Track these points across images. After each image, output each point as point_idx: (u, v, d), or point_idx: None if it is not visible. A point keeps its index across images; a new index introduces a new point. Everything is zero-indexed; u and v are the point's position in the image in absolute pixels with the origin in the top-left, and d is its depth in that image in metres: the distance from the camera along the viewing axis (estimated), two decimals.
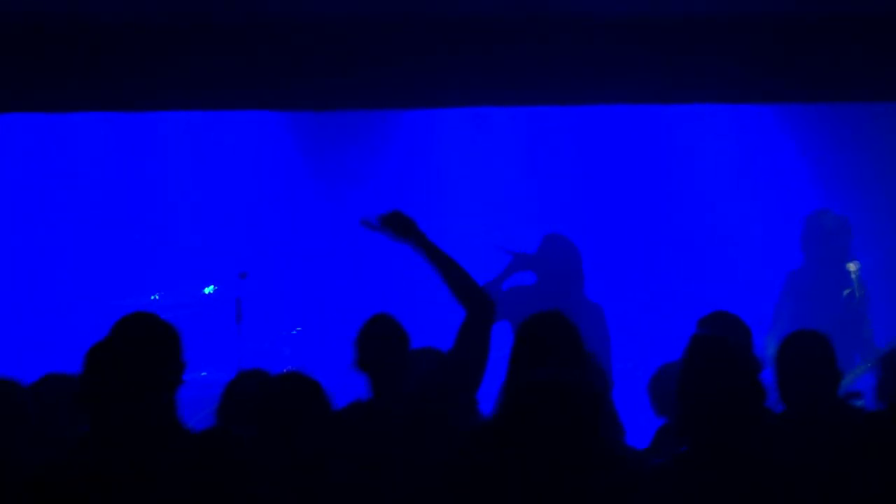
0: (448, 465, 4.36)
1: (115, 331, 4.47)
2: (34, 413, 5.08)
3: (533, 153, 12.12)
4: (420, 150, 12.07)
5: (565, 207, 11.90)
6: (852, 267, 9.30)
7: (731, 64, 8.40)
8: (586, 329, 7.72)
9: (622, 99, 8.99)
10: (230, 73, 8.46)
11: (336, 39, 8.42)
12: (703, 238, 11.84)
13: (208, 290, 10.98)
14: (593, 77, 8.53)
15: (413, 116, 11.93)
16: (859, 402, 6.09)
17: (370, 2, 8.04)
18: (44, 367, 6.34)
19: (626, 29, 8.39)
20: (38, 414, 5.10)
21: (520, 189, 12.11)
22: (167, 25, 8.32)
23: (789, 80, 8.58)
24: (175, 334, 4.49)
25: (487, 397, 5.75)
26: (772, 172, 11.78)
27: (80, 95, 8.61)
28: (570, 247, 8.38)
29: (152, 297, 11.21)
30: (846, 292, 9.24)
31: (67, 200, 11.95)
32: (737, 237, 11.78)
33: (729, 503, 4.13)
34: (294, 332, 11.64)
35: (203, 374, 8.69)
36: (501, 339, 5.81)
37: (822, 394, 5.32)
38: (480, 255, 6.96)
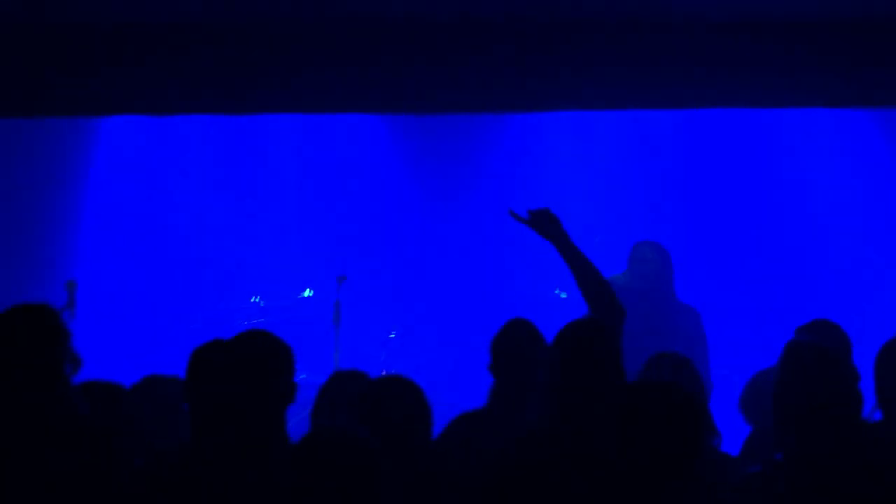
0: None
1: (233, 345, 4.47)
2: (137, 416, 5.15)
3: (629, 156, 12.09)
4: (523, 154, 12.08)
5: (667, 211, 11.86)
6: None
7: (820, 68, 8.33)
8: (683, 332, 7.73)
9: (724, 102, 8.91)
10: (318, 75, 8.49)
11: (419, 41, 8.43)
12: (810, 244, 11.73)
13: (307, 293, 11.06)
14: (697, 79, 8.49)
15: (517, 120, 11.95)
16: None
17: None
18: (145, 369, 6.43)
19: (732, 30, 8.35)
20: (139, 416, 5.17)
21: (616, 192, 12.08)
22: (249, 28, 8.37)
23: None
24: (290, 353, 4.51)
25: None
26: (877, 178, 11.65)
27: (177, 97, 8.68)
28: (660, 251, 8.30)
29: (253, 300, 11.33)
30: None
31: (167, 203, 12.11)
32: (842, 244, 11.66)
33: None
34: (391, 337, 11.69)
35: (302, 376, 8.79)
36: None
37: None
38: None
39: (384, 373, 9.93)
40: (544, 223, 5.83)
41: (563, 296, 11.14)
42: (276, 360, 4.41)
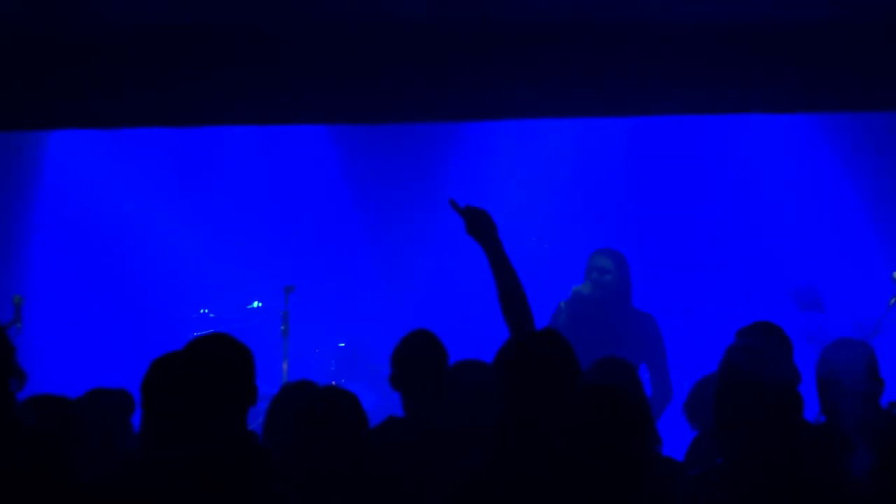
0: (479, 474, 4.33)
1: (192, 348, 4.46)
2: (86, 428, 5.13)
3: (566, 163, 12.17)
4: (474, 163, 12.11)
5: (626, 216, 11.95)
6: None
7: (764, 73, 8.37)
8: (640, 339, 7.79)
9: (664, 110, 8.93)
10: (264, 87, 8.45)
11: (384, 51, 8.42)
12: (753, 249, 11.83)
13: (255, 304, 11.04)
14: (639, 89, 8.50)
15: (467, 129, 11.98)
16: None
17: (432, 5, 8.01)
18: (90, 379, 6.39)
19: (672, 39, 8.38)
20: (86, 429, 5.15)
21: (557, 198, 12.14)
22: (179, 38, 8.33)
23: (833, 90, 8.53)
24: (249, 355, 4.50)
25: None
26: (825, 183, 11.76)
27: (103, 111, 8.61)
28: (617, 258, 8.35)
29: (201, 311, 11.31)
30: (892, 301, 9.21)
31: (114, 216, 12.07)
32: (782, 249, 11.76)
33: None
34: (340, 346, 11.69)
35: None
36: None
37: (863, 401, 5.28)
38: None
39: (334, 383, 9.95)
40: (478, 222, 5.76)
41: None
42: (235, 362, 4.41)
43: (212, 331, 4.61)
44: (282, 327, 9.45)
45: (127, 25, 8.08)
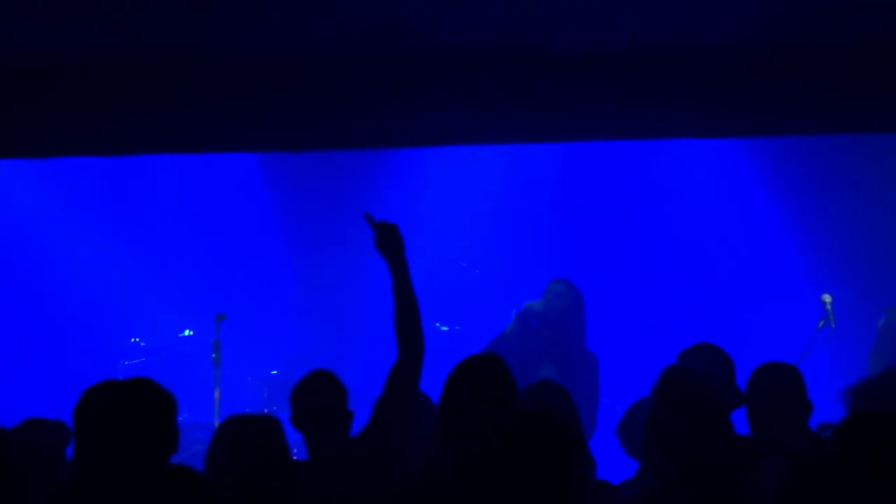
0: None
1: (117, 395, 4.43)
2: (17, 460, 5.08)
3: (511, 189, 12.23)
4: (400, 189, 12.13)
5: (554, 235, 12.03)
6: (826, 298, 9.38)
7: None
8: (580, 378, 7.86)
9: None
10: (217, 117, 8.45)
11: (334, 78, 8.43)
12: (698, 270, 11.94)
13: (186, 332, 10.99)
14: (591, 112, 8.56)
15: (379, 156, 12.01)
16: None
17: (379, 41, 8.03)
18: (20, 407, 6.32)
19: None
20: (21, 460, 5.11)
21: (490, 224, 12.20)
22: (143, 67, 8.32)
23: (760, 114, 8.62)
24: (173, 402, 4.49)
25: None
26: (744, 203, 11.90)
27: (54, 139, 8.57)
28: (574, 291, 8.40)
29: (132, 340, 11.24)
30: (820, 323, 9.30)
31: (47, 243, 11.99)
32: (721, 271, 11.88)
33: None
34: (272, 374, 11.66)
35: (183, 416, 8.72)
36: None
37: (792, 424, 5.35)
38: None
39: (266, 410, 9.91)
40: (387, 238, 5.86)
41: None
42: (159, 410, 4.39)
43: (140, 360, 4.60)
44: (213, 355, 9.41)
45: (56, 56, 8.07)
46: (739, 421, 5.14)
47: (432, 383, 5.29)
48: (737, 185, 11.86)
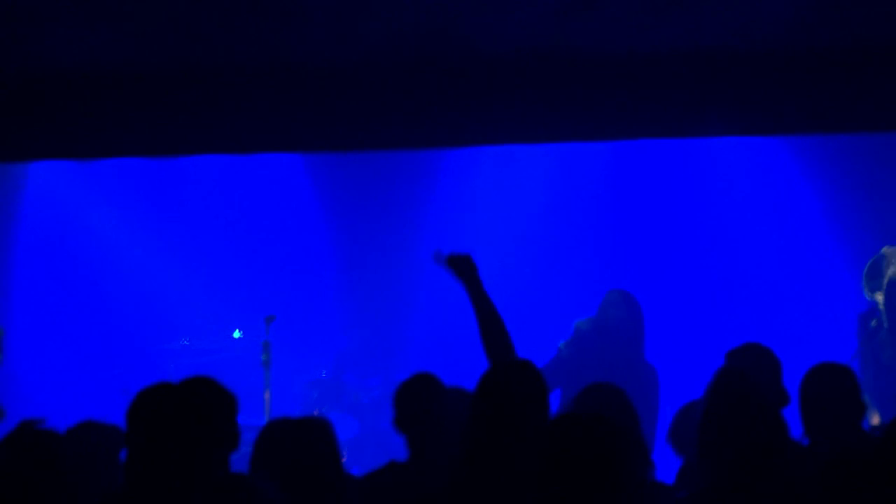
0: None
1: (178, 393, 4.44)
2: (70, 464, 5.10)
3: (554, 191, 12.22)
4: (449, 191, 12.15)
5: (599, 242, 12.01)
6: (879, 298, 9.31)
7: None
8: (640, 391, 7.74)
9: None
10: (254, 118, 8.50)
11: (357, 83, 8.46)
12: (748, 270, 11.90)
13: (236, 334, 11.04)
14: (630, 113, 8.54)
15: (445, 156, 12.03)
16: None
17: (388, 48, 8.07)
18: (72, 411, 6.33)
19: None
20: (75, 463, 5.12)
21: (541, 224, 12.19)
22: (183, 73, 8.38)
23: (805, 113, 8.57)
24: (233, 401, 4.50)
25: None
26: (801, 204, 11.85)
27: (109, 142, 8.64)
28: (632, 304, 8.18)
29: (183, 342, 11.30)
30: (873, 322, 9.24)
31: (96, 246, 12.06)
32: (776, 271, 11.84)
33: None
34: (322, 376, 11.68)
35: None
36: None
37: (846, 426, 5.31)
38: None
39: (316, 412, 9.94)
40: (462, 268, 5.94)
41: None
42: (220, 408, 4.41)
43: (196, 373, 4.60)
44: (263, 357, 9.42)
45: (109, 62, 8.15)
46: (791, 422, 5.10)
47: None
48: (782, 183, 11.81)
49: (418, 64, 8.35)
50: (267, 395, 9.24)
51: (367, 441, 10.87)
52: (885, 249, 9.45)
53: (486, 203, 12.18)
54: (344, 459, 5.12)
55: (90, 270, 12.01)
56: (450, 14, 7.48)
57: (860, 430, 5.40)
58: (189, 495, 4.14)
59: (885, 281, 9.26)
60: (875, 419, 8.76)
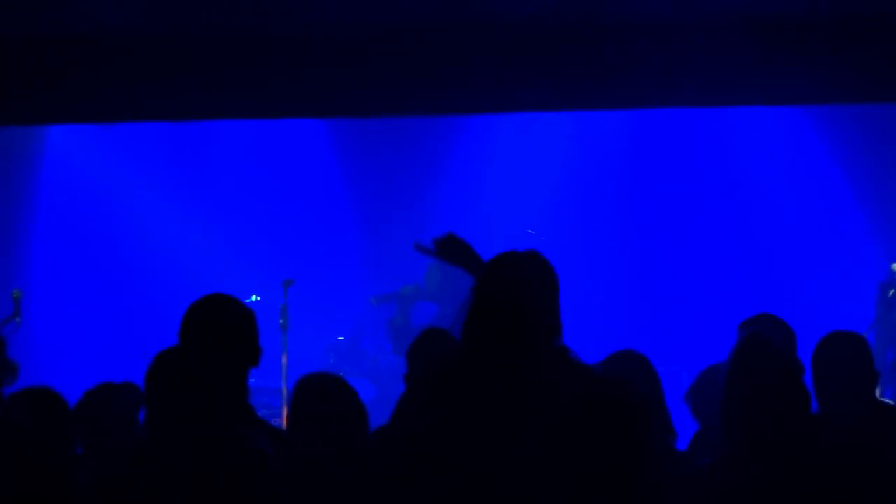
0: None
1: (200, 305, 4.52)
2: (87, 425, 5.15)
3: (578, 158, 12.23)
4: (465, 157, 12.16)
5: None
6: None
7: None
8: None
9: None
10: (263, 84, 8.51)
11: (377, 49, 8.47)
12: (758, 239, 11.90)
13: (254, 298, 11.08)
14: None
15: (463, 123, 12.05)
16: None
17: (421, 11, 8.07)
18: (89, 372, 6.35)
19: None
20: (92, 425, 5.17)
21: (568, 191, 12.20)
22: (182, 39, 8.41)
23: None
24: (252, 317, 4.56)
25: None
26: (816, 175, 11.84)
27: (116, 106, 8.67)
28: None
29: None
30: (891, 293, 9.25)
31: (115, 210, 12.12)
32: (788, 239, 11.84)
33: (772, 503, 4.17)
34: (339, 339, 11.73)
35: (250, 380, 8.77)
36: None
37: (859, 394, 5.32)
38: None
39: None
40: (451, 250, 5.64)
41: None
42: (241, 322, 4.47)
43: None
44: (281, 321, 9.47)
45: (127, 28, 8.18)
46: None
47: None
48: (803, 151, 11.80)
49: (436, 30, 8.37)
50: (284, 359, 9.30)
51: (385, 406, 10.91)
52: None
53: (505, 167, 12.19)
54: None
55: (109, 233, 12.06)
56: None
57: (873, 399, 5.41)
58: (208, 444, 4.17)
59: None
60: None
